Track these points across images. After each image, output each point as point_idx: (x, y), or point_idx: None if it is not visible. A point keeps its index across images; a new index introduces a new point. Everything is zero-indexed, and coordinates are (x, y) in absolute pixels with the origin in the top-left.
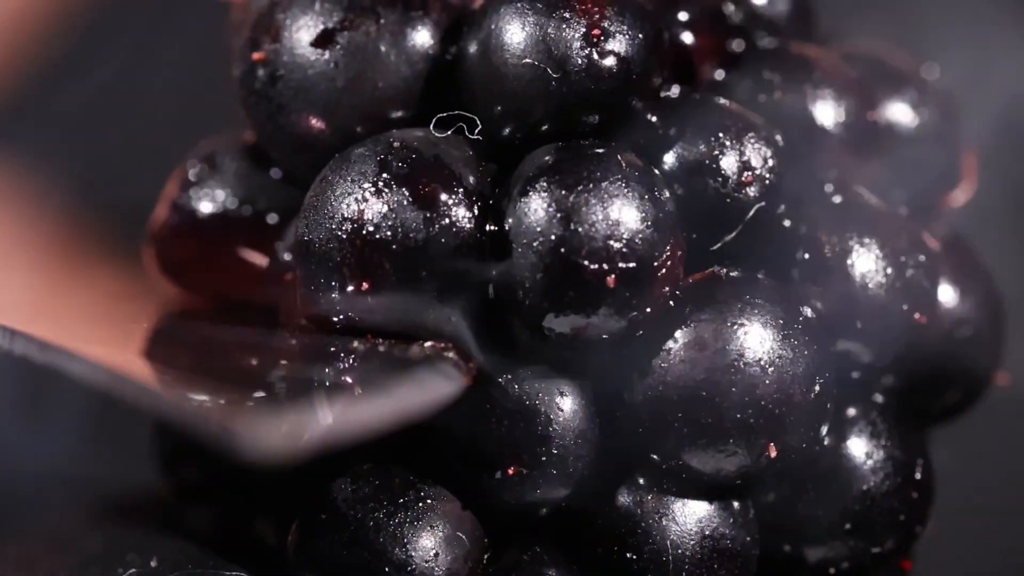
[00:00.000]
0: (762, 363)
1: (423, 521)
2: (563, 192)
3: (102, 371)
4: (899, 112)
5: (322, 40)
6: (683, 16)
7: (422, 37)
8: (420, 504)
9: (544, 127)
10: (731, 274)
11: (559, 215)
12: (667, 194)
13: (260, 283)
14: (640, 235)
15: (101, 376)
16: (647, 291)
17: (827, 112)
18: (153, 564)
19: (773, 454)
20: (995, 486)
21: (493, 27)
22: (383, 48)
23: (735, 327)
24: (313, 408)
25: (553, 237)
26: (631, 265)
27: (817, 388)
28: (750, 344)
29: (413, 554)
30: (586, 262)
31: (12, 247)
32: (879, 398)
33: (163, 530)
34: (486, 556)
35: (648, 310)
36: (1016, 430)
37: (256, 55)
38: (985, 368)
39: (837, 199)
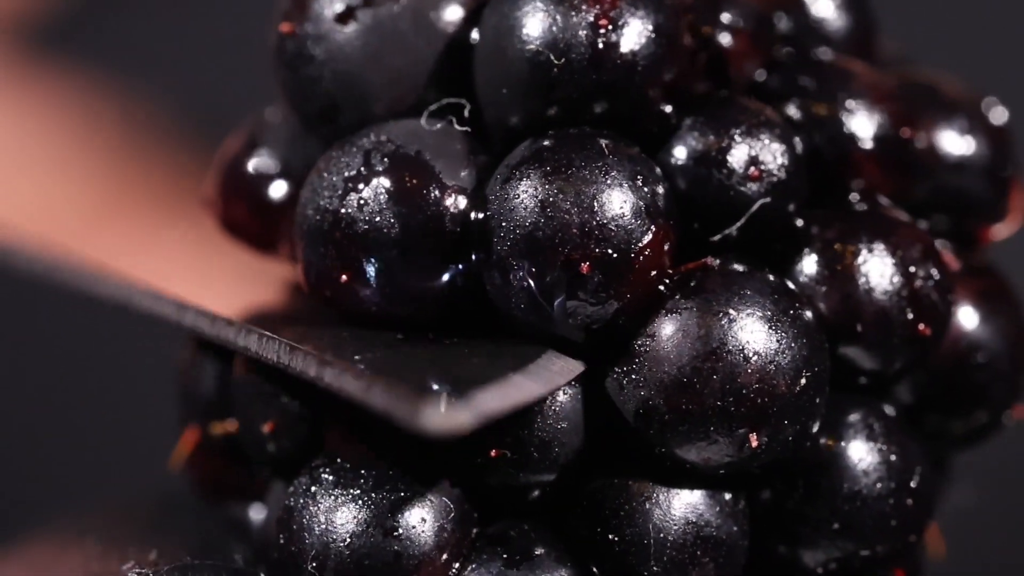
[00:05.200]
0: (745, 352)
1: (412, 491)
2: (541, 178)
3: (276, 344)
4: (945, 138)
5: (345, 16)
6: (725, 17)
7: (444, 18)
8: (409, 475)
9: (550, 115)
10: (722, 264)
11: (536, 201)
12: (656, 181)
13: None
14: (616, 221)
15: (274, 349)
16: (624, 277)
17: (858, 121)
18: (152, 557)
19: (754, 444)
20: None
21: (506, 10)
22: (403, 27)
23: (719, 315)
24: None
25: (529, 223)
26: (606, 251)
27: (803, 381)
28: (734, 333)
29: (401, 519)
30: (560, 248)
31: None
32: (889, 409)
33: (162, 523)
34: (475, 531)
35: (628, 296)
36: None
37: (285, 27)
38: (1002, 398)
39: (856, 207)
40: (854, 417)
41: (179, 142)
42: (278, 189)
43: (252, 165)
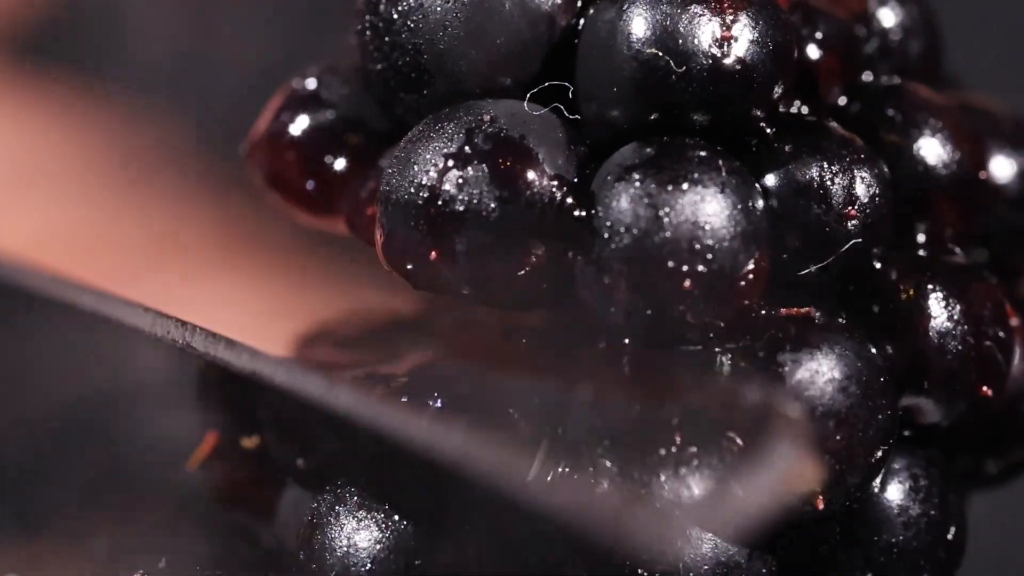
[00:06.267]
0: (838, 420)
1: (435, 517)
2: (658, 186)
3: (453, 440)
4: (1009, 173)
5: None
6: (819, 34)
7: (550, 2)
8: (433, 499)
9: (653, 118)
10: (824, 319)
11: (650, 209)
12: (762, 208)
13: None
14: (728, 243)
15: (453, 445)
16: (725, 301)
17: (940, 161)
18: (161, 565)
19: (820, 507)
20: None
21: (624, 7)
22: (508, 6)
23: (820, 377)
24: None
25: (638, 229)
26: (712, 271)
27: (879, 454)
28: (831, 400)
29: (423, 547)
30: (667, 260)
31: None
32: (929, 455)
33: (172, 531)
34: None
35: (723, 322)
36: None
37: None
38: None
39: (925, 251)
40: (898, 466)
41: (183, 157)
42: (335, 148)
43: (307, 118)
